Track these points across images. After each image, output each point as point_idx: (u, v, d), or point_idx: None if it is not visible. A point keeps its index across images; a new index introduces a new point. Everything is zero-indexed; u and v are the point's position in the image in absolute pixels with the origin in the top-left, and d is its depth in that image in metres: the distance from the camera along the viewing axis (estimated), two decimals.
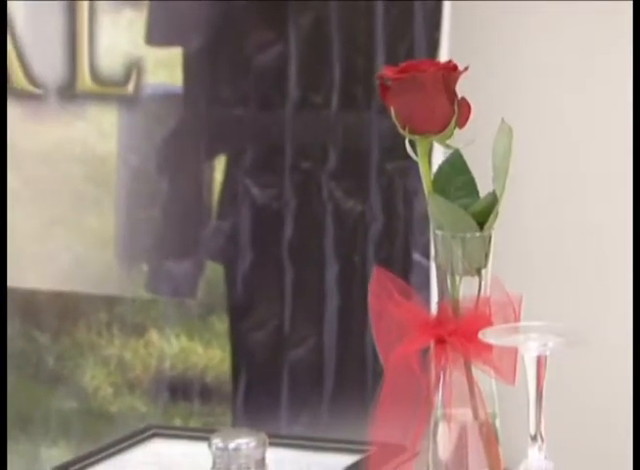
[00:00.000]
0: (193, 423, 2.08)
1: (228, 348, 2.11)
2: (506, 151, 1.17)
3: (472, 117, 1.19)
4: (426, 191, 1.21)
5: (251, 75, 2.08)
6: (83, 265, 2.17)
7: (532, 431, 1.02)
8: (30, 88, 2.19)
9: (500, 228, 1.18)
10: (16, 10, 2.20)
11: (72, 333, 2.18)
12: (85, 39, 2.16)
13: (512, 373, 1.14)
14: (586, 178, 2.15)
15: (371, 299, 1.23)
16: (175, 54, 2.13)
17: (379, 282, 1.22)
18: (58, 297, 2.19)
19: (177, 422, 2.08)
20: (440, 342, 1.18)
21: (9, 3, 2.20)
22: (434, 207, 1.20)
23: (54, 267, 2.18)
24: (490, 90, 1.91)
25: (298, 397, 2.06)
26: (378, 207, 2.05)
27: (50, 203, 2.18)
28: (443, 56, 1.94)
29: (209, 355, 2.13)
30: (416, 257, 2.01)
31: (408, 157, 1.25)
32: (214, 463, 1.03)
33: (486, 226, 1.18)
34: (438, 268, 1.21)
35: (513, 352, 1.12)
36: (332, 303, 2.06)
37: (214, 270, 2.12)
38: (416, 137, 1.19)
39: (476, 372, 1.18)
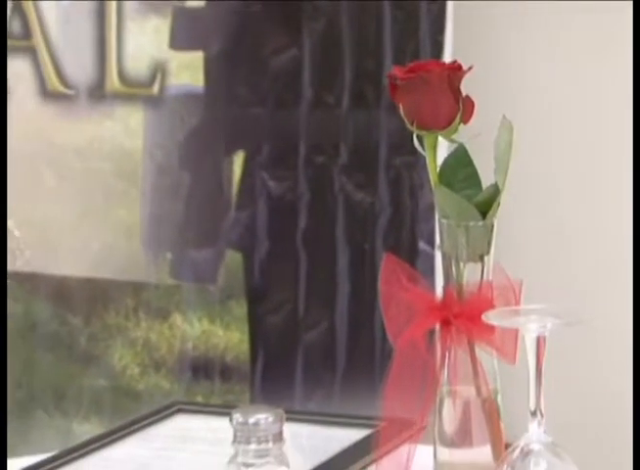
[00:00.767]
0: (214, 400, 2.08)
1: (246, 330, 2.11)
2: (507, 145, 1.17)
3: (475, 113, 1.19)
4: (432, 183, 1.20)
5: (268, 77, 2.08)
6: (112, 254, 2.17)
7: (532, 407, 1.01)
8: (63, 89, 2.19)
9: (502, 217, 1.18)
10: (49, 16, 2.20)
11: (102, 316, 2.18)
12: (114, 44, 2.16)
13: (513, 353, 1.13)
14: (584, 171, 2.14)
15: (381, 284, 1.22)
16: (197, 57, 2.12)
17: (388, 268, 1.22)
18: (89, 283, 2.19)
19: (199, 399, 2.08)
20: (446, 324, 1.18)
21: (43, 11, 2.20)
22: (440, 197, 1.20)
23: (85, 256, 2.18)
24: (492, 88, 1.90)
25: (312, 375, 2.06)
26: (386, 198, 2.04)
27: (81, 196, 2.18)
28: (447, 57, 1.94)
29: (229, 337, 2.13)
30: (421, 245, 2.00)
31: (414, 152, 1.25)
32: (235, 437, 1.02)
33: (489, 215, 1.17)
34: (444, 255, 1.21)
35: (514, 333, 1.11)
36: (343, 288, 2.06)
37: (233, 258, 2.12)
38: (423, 132, 1.19)
39: (479, 352, 1.18)
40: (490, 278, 1.17)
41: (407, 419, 1.19)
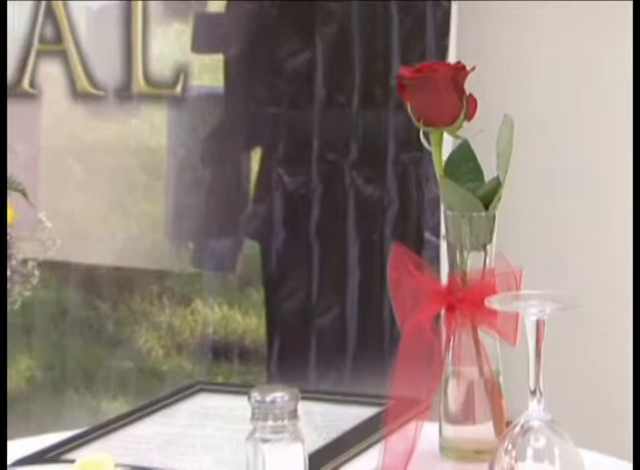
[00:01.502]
0: (233, 380, 2.08)
1: (263, 315, 2.11)
2: (508, 141, 1.16)
3: (478, 111, 1.18)
4: (438, 176, 1.19)
5: (283, 78, 2.07)
6: (137, 244, 2.17)
7: (532, 386, 1.01)
8: (92, 90, 2.19)
9: (503, 209, 1.17)
10: (79, 22, 2.20)
11: (128, 302, 2.18)
12: (139, 48, 2.16)
13: (514, 335, 1.13)
14: (582, 165, 2.14)
15: (390, 271, 1.21)
16: (217, 60, 2.12)
17: (396, 256, 1.21)
18: (116, 271, 2.19)
19: (219, 380, 2.08)
20: (451, 308, 1.17)
21: (74, 16, 2.20)
22: (445, 190, 1.19)
23: (112, 245, 2.18)
24: (494, 87, 1.89)
25: (325, 357, 2.06)
26: (394, 192, 2.04)
27: (109, 189, 2.18)
28: (452, 58, 1.93)
29: (247, 322, 2.12)
30: (427, 235, 2.00)
31: (420, 149, 1.25)
32: (253, 414, 1.01)
33: (491, 207, 1.17)
34: (449, 244, 1.20)
35: (515, 317, 1.11)
36: (353, 276, 2.06)
37: (251, 248, 2.12)
38: (429, 129, 1.18)
39: (482, 335, 1.17)
40: (492, 265, 1.16)
41: (414, 398, 1.18)
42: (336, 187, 2.06)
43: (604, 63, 2.09)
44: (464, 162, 1.19)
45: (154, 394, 1.78)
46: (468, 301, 1.16)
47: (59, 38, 2.20)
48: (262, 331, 2.10)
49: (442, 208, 1.21)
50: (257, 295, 2.11)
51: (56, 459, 1.20)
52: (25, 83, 2.22)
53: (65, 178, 2.19)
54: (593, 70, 2.10)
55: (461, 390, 1.19)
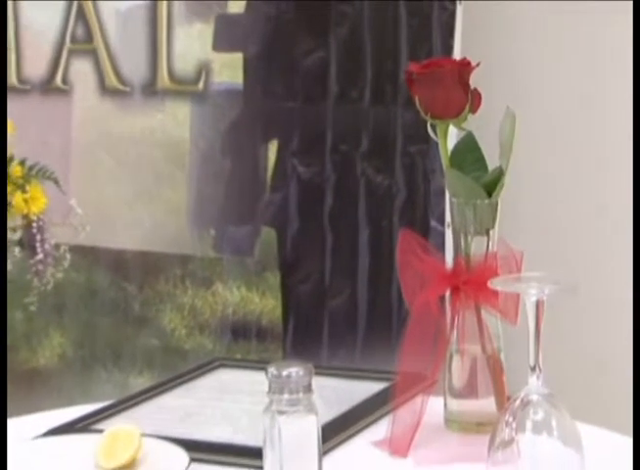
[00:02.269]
0: (251, 357, 2.07)
1: (279, 297, 2.11)
2: (510, 132, 1.15)
3: (482, 104, 1.17)
4: (444, 166, 1.19)
5: (299, 75, 2.07)
6: (162, 230, 2.17)
7: (532, 363, 1.00)
8: (120, 86, 2.19)
9: (505, 196, 1.17)
10: (108, 22, 2.19)
11: (154, 285, 2.18)
12: (164, 47, 2.16)
13: (515, 315, 1.12)
14: (581, 156, 2.14)
15: (398, 255, 1.21)
16: (237, 58, 2.11)
17: (405, 241, 1.20)
18: (142, 255, 2.19)
19: (238, 357, 2.07)
20: (456, 290, 1.17)
21: (103, 17, 2.20)
22: (451, 179, 1.18)
23: (138, 231, 2.18)
24: (497, 82, 1.89)
25: (336, 336, 2.06)
26: (402, 182, 2.03)
27: (135, 179, 2.18)
28: (456, 56, 1.92)
29: (264, 304, 2.12)
30: (433, 223, 1.99)
31: (427, 141, 1.24)
32: (270, 387, 1.01)
33: (494, 195, 1.16)
34: (454, 230, 1.19)
35: (516, 298, 1.10)
36: (364, 260, 2.05)
37: (268, 234, 2.11)
38: (436, 121, 1.17)
39: (484, 314, 1.17)
40: (495, 249, 1.16)
41: (421, 374, 1.18)
42: (347, 177, 2.05)
43: (604, 58, 2.08)
44: (468, 152, 1.18)
45: (177, 370, 1.78)
46: (472, 282, 1.16)
47: (89, 38, 2.20)
48: (278, 312, 2.10)
49: (448, 195, 1.20)
50: (274, 278, 2.11)
51: (85, 429, 1.19)
52: (58, 80, 2.22)
53: (94, 168, 2.19)
54: (592, 62, 2.09)
55: (465, 366, 1.19)
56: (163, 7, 2.15)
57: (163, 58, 2.15)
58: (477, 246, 1.17)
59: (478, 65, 1.17)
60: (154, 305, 2.17)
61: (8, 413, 1.28)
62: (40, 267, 1.52)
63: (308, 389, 1.02)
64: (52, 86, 2.22)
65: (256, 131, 2.10)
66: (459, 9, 1.97)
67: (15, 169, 1.48)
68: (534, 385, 1.01)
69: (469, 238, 1.17)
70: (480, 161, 1.18)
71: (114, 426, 1.13)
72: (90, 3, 2.18)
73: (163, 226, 2.17)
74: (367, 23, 2.03)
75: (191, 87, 2.14)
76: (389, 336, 1.98)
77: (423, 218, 2.01)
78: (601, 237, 2.11)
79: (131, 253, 2.19)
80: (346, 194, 2.05)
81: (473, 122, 1.18)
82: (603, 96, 2.08)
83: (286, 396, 1.01)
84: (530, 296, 1.00)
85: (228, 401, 1.29)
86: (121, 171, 2.18)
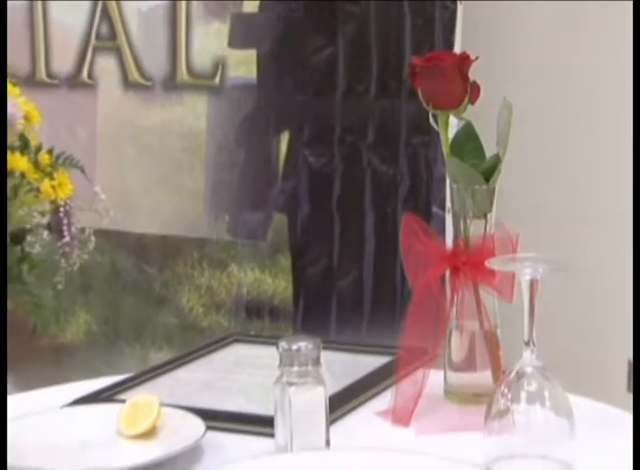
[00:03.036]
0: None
1: (290, 279, 2.11)
2: (507, 122, 1.15)
3: (480, 95, 1.17)
4: (445, 154, 1.18)
5: (309, 70, 2.06)
6: (180, 215, 2.17)
7: (526, 338, 1.00)
8: (142, 81, 2.18)
9: (502, 182, 1.16)
10: (131, 21, 2.19)
11: (173, 267, 2.18)
12: (183, 44, 2.15)
13: (511, 293, 1.11)
14: (574, 143, 2.13)
15: (402, 237, 1.20)
16: (251, 54, 2.11)
17: (408, 225, 1.20)
18: (162, 239, 2.19)
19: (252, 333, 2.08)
20: (455, 269, 1.16)
21: (127, 17, 2.19)
22: (451, 166, 1.18)
23: (159, 216, 2.18)
24: (494, 75, 1.88)
25: (344, 315, 2.05)
26: (405, 171, 2.03)
27: (156, 167, 2.18)
28: (457, 51, 1.92)
29: (276, 284, 2.12)
30: (434, 209, 1.99)
31: (429, 132, 1.23)
32: (281, 360, 1.01)
33: (491, 180, 1.15)
34: (454, 214, 1.19)
35: (511, 277, 1.10)
36: (369, 244, 2.05)
37: (280, 219, 2.11)
38: (437, 112, 1.17)
39: (482, 293, 1.16)
40: (492, 232, 1.15)
41: (422, 348, 1.17)
42: (354, 166, 2.05)
43: (597, 53, 2.08)
44: (468, 141, 1.18)
45: (194, 346, 1.78)
46: (470, 263, 1.15)
47: (113, 36, 2.20)
48: (289, 292, 2.10)
49: (448, 182, 1.20)
50: (285, 261, 2.11)
51: (109, 399, 1.19)
52: (84, 75, 2.22)
53: (118, 157, 2.19)
54: (584, 59, 2.09)
55: (463, 341, 1.18)
56: (183, 7, 2.15)
57: (182, 54, 2.15)
58: (475, 229, 1.16)
59: (476, 58, 1.17)
60: (173, 286, 2.17)
61: (38, 385, 1.28)
62: (67, 249, 1.51)
63: (317, 362, 1.02)
64: (78, 81, 2.21)
65: (269, 123, 2.10)
66: (459, 8, 1.97)
67: (43, 158, 1.47)
68: (528, 358, 1.00)
69: (468, 221, 1.17)
70: (478, 149, 1.17)
71: (135, 396, 1.13)
72: (114, 3, 2.18)
73: (182, 212, 2.17)
74: (373, 22, 2.03)
75: (208, 82, 2.14)
76: (393, 314, 1.98)
77: (425, 205, 2.00)
78: (593, 219, 2.11)
79: (152, 236, 2.19)
80: (353, 182, 2.05)
81: (472, 113, 1.17)
82: (595, 86, 2.08)
83: (295, 368, 1.01)
84: (525, 275, 0.99)
85: (242, 374, 1.29)
86: (143, 160, 2.18)
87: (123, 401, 1.11)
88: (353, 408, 1.17)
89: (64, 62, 2.22)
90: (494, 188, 1.16)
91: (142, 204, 2.18)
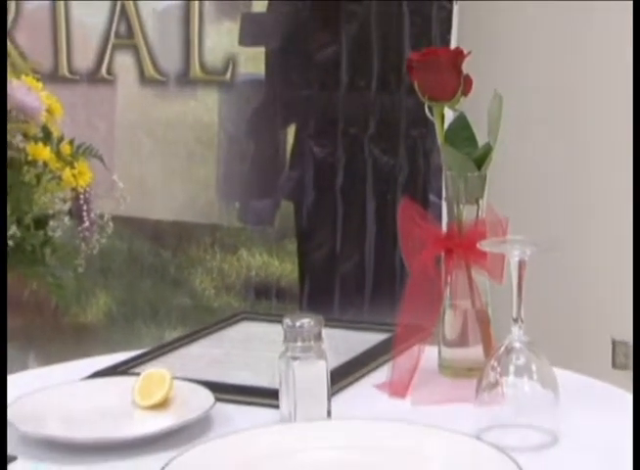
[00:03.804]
0: None
1: (296, 262, 2.10)
2: (498, 113, 1.14)
3: (473, 88, 1.16)
4: (439, 142, 1.18)
5: (314, 67, 2.06)
6: (194, 202, 2.17)
7: (515, 315, 0.99)
8: (158, 77, 2.18)
9: (493, 169, 1.16)
10: (147, 21, 2.19)
11: (186, 251, 2.18)
12: (196, 42, 2.15)
13: (501, 273, 1.11)
14: (562, 133, 2.13)
15: (399, 222, 1.20)
16: (260, 52, 2.11)
17: (405, 209, 1.20)
18: (176, 225, 2.19)
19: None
20: (449, 251, 1.16)
21: (143, 16, 2.19)
22: (446, 154, 1.17)
23: (173, 204, 2.18)
24: (486, 70, 1.88)
25: (346, 296, 2.05)
26: (404, 161, 2.02)
27: (171, 157, 2.17)
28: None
29: (283, 267, 2.12)
30: (432, 197, 1.98)
31: (427, 125, 1.22)
32: (285, 336, 1.01)
33: (483, 168, 1.15)
34: (448, 199, 1.19)
35: (501, 258, 1.09)
36: (371, 230, 2.05)
37: (287, 206, 2.11)
38: (433, 103, 1.16)
39: (474, 273, 1.16)
40: (484, 216, 1.15)
41: (418, 325, 1.17)
42: (356, 156, 2.04)
43: (581, 53, 2.08)
44: (461, 130, 1.17)
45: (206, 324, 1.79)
46: (463, 245, 1.15)
47: (130, 34, 2.19)
48: (295, 275, 2.10)
49: (443, 169, 1.19)
50: (291, 245, 2.10)
51: (125, 372, 1.19)
52: (103, 71, 2.22)
53: (135, 148, 2.19)
54: (569, 51, 2.09)
55: (457, 319, 1.18)
56: (196, 7, 2.14)
57: (195, 52, 2.15)
58: (468, 213, 1.16)
59: (469, 53, 1.16)
60: (186, 269, 2.18)
61: (60, 361, 1.28)
62: (87, 234, 1.51)
63: (319, 337, 1.02)
64: (98, 77, 2.21)
65: (277, 116, 2.09)
66: (455, 8, 1.96)
67: (65, 148, 1.47)
68: (517, 334, 1.00)
69: (461, 206, 1.16)
70: (471, 138, 1.17)
71: (149, 370, 1.13)
72: (132, 3, 2.18)
73: (195, 199, 2.17)
74: (374, 21, 2.02)
75: (219, 77, 2.13)
76: (393, 295, 1.97)
77: (423, 193, 2.00)
78: (579, 205, 2.11)
79: (167, 222, 2.19)
80: (356, 171, 2.05)
81: (465, 104, 1.17)
82: (577, 79, 2.08)
83: (299, 343, 1.01)
84: (514, 256, 0.99)
85: (249, 350, 1.28)
86: (158, 151, 2.18)
87: (138, 375, 1.12)
88: (353, 381, 1.17)
89: (84, 59, 2.22)
90: (486, 175, 1.16)
91: (157, 192, 2.18)
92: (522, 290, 1.00)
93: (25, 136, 1.41)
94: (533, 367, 0.99)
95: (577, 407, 1.03)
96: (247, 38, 2.11)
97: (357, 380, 1.18)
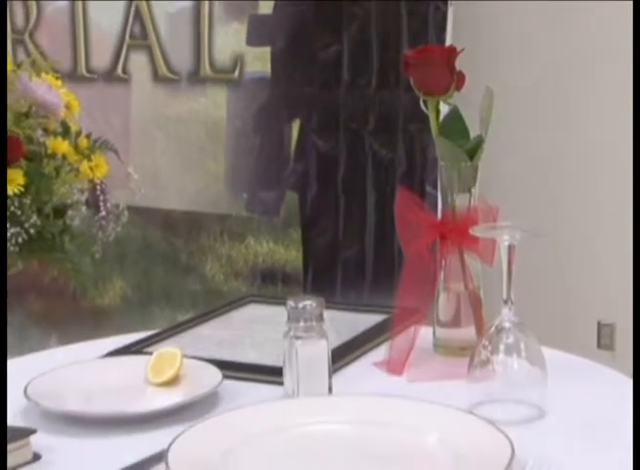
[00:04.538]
0: None
1: (301, 249, 2.10)
2: (489, 107, 1.14)
3: (466, 83, 1.16)
4: (434, 135, 1.17)
5: (317, 65, 2.05)
6: (204, 193, 2.17)
7: (505, 296, 0.99)
8: (170, 75, 2.18)
9: (485, 159, 1.15)
10: (160, 22, 2.19)
11: (197, 239, 2.18)
12: (206, 42, 2.15)
13: (492, 257, 1.11)
14: (551, 126, 2.13)
15: (396, 209, 1.19)
16: (266, 51, 2.10)
17: (402, 198, 1.19)
18: (187, 214, 2.19)
19: None
20: (443, 237, 1.15)
21: (156, 18, 2.19)
22: (440, 145, 1.17)
23: (185, 194, 2.18)
24: (479, 66, 1.88)
25: (348, 282, 2.05)
26: (403, 155, 2.02)
27: (182, 151, 2.17)
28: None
29: (288, 254, 2.12)
30: (428, 188, 1.98)
31: (424, 121, 1.21)
32: (288, 317, 1.01)
33: (475, 158, 1.15)
34: (442, 188, 1.18)
35: (492, 243, 1.09)
36: (371, 219, 2.05)
37: (292, 197, 2.11)
38: (428, 97, 1.16)
39: (467, 258, 1.15)
40: (476, 204, 1.15)
41: (414, 307, 1.17)
42: (357, 150, 2.04)
43: (569, 54, 2.07)
44: (454, 123, 1.17)
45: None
46: (456, 231, 1.14)
47: (144, 35, 2.19)
48: (300, 261, 2.10)
49: (438, 159, 1.19)
50: (296, 233, 2.10)
51: (139, 351, 1.20)
52: (119, 70, 2.21)
53: (148, 142, 2.19)
54: (558, 48, 2.09)
55: (450, 301, 1.17)
56: (206, 9, 2.14)
57: (205, 51, 2.14)
58: (461, 201, 1.16)
59: (462, 50, 1.16)
60: (197, 256, 2.18)
61: (78, 342, 1.28)
62: (103, 222, 1.51)
63: (320, 318, 1.02)
64: (114, 75, 2.21)
65: (282, 112, 2.09)
66: (450, 9, 1.96)
67: (82, 142, 1.47)
68: (507, 315, 1.00)
69: (454, 195, 1.16)
70: (463, 130, 1.16)
71: (161, 349, 1.13)
72: (145, 5, 2.17)
73: (205, 191, 2.17)
74: (374, 22, 2.02)
75: (228, 76, 2.13)
76: (391, 279, 1.97)
77: (420, 184, 2.00)
78: (565, 193, 2.11)
79: (178, 212, 2.19)
80: (356, 164, 2.05)
81: (458, 99, 1.16)
82: (565, 75, 2.07)
83: (302, 323, 1.01)
84: (504, 241, 0.99)
85: (255, 331, 1.28)
86: (170, 145, 2.18)
87: (151, 354, 1.12)
88: (353, 360, 1.17)
89: (101, 58, 2.22)
90: (477, 165, 1.15)
91: (170, 183, 2.18)
92: (511, 273, 1.00)
93: (46, 131, 1.42)
94: (522, 346, 0.99)
95: (563, 384, 1.03)
96: (253, 39, 2.11)
97: (357, 358, 1.18)
